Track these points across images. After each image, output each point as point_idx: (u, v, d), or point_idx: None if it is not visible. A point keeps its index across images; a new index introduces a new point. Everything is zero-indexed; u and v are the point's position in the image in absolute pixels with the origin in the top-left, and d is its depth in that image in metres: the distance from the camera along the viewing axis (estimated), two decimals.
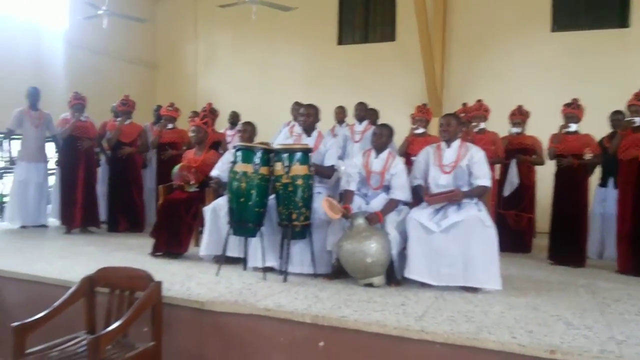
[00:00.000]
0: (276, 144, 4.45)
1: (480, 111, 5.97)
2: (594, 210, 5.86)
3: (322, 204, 4.00)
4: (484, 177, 4.05)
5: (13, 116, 6.78)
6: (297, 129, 4.75)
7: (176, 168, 5.23)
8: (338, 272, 4.13)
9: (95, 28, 9.01)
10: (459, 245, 3.80)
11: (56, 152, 7.27)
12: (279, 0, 8.25)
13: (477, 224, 3.81)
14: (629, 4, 8.44)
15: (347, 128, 6.56)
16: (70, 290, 3.07)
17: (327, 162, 4.52)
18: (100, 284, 3.15)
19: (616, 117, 5.68)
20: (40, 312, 2.88)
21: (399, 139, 6.23)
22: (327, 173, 4.53)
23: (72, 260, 4.65)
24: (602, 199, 5.87)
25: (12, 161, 6.87)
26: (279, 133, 5.93)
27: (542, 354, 2.60)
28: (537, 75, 8.74)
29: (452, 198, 3.93)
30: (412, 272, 3.85)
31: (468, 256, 3.78)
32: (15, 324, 2.75)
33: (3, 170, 8.57)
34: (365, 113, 6.56)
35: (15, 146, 6.96)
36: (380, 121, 6.43)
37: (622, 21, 8.57)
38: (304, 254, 4.26)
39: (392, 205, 4.15)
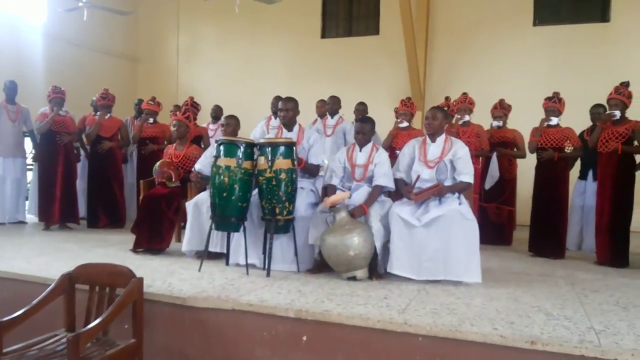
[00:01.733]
0: (255, 139, 4.41)
1: (465, 104, 6.00)
2: (573, 203, 5.94)
3: (325, 204, 3.98)
4: (467, 174, 4.07)
5: None
6: (274, 122, 4.70)
7: (157, 165, 5.18)
8: (321, 266, 4.12)
9: (75, 20, 8.89)
10: (439, 239, 3.81)
11: (33, 147, 7.15)
12: None
13: (458, 218, 3.82)
14: None
15: (319, 122, 6.52)
16: (49, 288, 3.01)
17: (312, 160, 4.49)
18: (80, 281, 3.10)
19: (596, 111, 5.75)
20: (18, 310, 2.83)
21: (383, 132, 6.26)
22: (313, 171, 4.52)
23: (51, 257, 4.59)
24: (581, 192, 5.96)
25: None
26: (257, 128, 5.91)
27: (523, 344, 2.62)
28: (520, 68, 8.83)
29: (436, 193, 3.94)
30: (394, 267, 3.87)
31: (449, 250, 3.80)
32: None
33: None
34: (338, 107, 6.52)
35: None
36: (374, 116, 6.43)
37: (603, 15, 8.68)
38: (286, 251, 4.25)
39: (375, 192, 4.15)
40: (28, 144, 7.26)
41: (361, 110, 6.52)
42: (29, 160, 7.34)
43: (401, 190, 4.21)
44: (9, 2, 9.11)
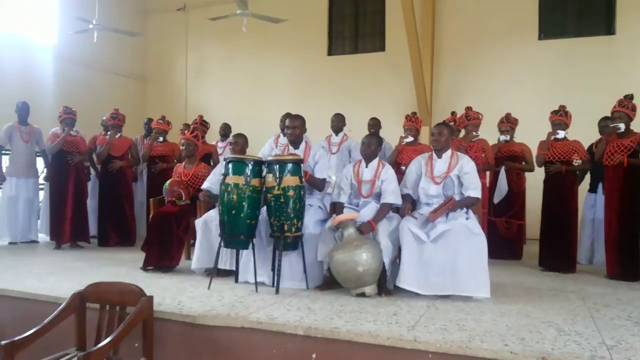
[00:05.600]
0: (263, 157, 4.44)
1: (479, 120, 6.01)
2: (584, 216, 5.91)
3: (333, 222, 4.00)
4: (474, 189, 4.07)
5: (2, 131, 6.77)
6: (282, 140, 4.74)
7: (167, 184, 5.23)
8: (330, 283, 4.13)
9: (85, 42, 9.03)
10: (447, 254, 3.80)
11: (45, 167, 7.24)
12: (269, 12, 8.31)
13: (465, 232, 3.82)
14: (614, 11, 8.58)
15: (324, 140, 6.53)
16: (61, 307, 3.04)
17: (318, 175, 4.51)
18: (90, 300, 3.12)
19: (605, 124, 5.73)
20: (29, 330, 2.85)
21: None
22: (319, 185, 4.53)
23: (62, 276, 4.62)
24: (591, 205, 5.93)
25: (1, 177, 6.82)
26: (266, 145, 5.94)
27: None
28: (526, 82, 8.85)
29: (450, 207, 3.94)
30: (403, 281, 3.86)
31: (456, 264, 3.79)
32: (4, 342, 2.71)
33: None
34: (343, 124, 6.50)
35: (4, 162, 6.91)
36: (382, 132, 6.45)
37: (608, 28, 8.69)
38: (294, 268, 4.26)
39: (384, 210, 4.16)
40: (40, 163, 7.34)
41: (372, 125, 6.54)
42: (41, 180, 7.42)
43: (400, 212, 4.20)
44: (20, 24, 9.30)
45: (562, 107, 5.48)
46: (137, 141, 7.52)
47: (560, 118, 5.43)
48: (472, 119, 6.01)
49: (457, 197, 4.07)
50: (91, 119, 8.04)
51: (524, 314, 3.46)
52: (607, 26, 8.71)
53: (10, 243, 6.76)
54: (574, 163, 5.37)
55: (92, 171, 7.42)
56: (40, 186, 7.46)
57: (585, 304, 3.81)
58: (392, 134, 6.88)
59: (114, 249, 6.56)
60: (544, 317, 3.38)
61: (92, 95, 9.92)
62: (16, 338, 2.76)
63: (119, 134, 6.90)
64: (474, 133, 5.94)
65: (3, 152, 6.88)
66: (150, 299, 3.01)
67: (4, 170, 6.83)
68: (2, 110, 7.44)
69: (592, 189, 5.97)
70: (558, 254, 5.28)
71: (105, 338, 2.82)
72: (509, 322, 3.26)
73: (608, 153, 5.00)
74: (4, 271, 4.79)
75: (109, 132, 6.93)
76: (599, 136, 5.76)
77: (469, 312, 3.50)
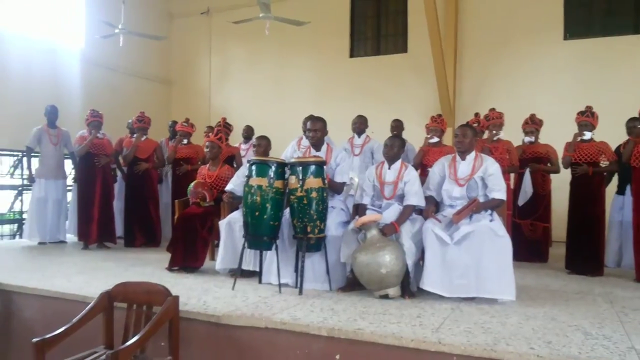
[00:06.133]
0: (286, 159, 4.47)
1: (501, 119, 5.95)
2: (611, 218, 5.81)
3: (356, 224, 4.01)
4: (498, 191, 4.03)
5: (32, 134, 6.92)
6: (305, 142, 4.76)
7: (191, 185, 5.29)
8: (353, 284, 4.13)
9: (111, 46, 9.20)
10: (471, 256, 3.78)
11: (73, 168, 7.39)
12: (291, 15, 8.36)
13: (489, 234, 3.79)
14: None
15: (347, 142, 6.53)
16: (89, 306, 3.10)
17: (338, 178, 4.51)
18: (118, 299, 3.18)
19: (632, 124, 5.63)
20: (59, 328, 2.92)
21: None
22: (338, 188, 4.53)
23: (90, 275, 4.71)
24: (620, 207, 5.82)
25: (31, 178, 6.98)
26: (288, 147, 5.97)
27: None
28: (550, 83, 8.73)
29: (474, 209, 3.91)
30: (426, 283, 3.84)
31: (480, 267, 3.76)
32: (36, 339, 2.78)
33: (22, 188, 8.73)
34: (365, 126, 6.50)
35: (34, 164, 7.07)
36: (404, 133, 6.45)
37: (635, 27, 8.53)
38: (317, 269, 4.27)
39: (407, 212, 4.14)
40: (68, 165, 7.49)
41: (395, 126, 6.53)
42: (69, 181, 7.57)
43: (423, 214, 4.18)
44: (48, 29, 9.52)
45: (589, 108, 5.40)
46: (162, 143, 7.62)
47: (587, 119, 5.34)
48: (491, 119, 5.96)
49: (481, 199, 4.04)
50: (117, 122, 8.18)
51: (550, 317, 3.42)
52: (634, 25, 8.55)
53: (39, 243, 6.91)
54: (601, 164, 5.28)
55: (119, 173, 7.54)
56: (69, 187, 7.62)
57: (613, 308, 3.75)
58: (415, 136, 6.86)
59: (140, 249, 6.66)
60: (571, 321, 3.33)
61: (118, 99, 10.10)
62: (47, 336, 2.83)
63: (144, 137, 7.00)
64: (494, 132, 5.90)
65: (32, 154, 7.04)
66: (176, 298, 3.06)
67: (33, 172, 6.99)
68: (31, 114, 7.64)
69: (620, 191, 5.86)
70: (585, 256, 5.20)
71: (133, 337, 2.87)
72: (535, 325, 3.22)
73: (636, 154, 4.90)
74: (34, 271, 4.91)
75: (134, 135, 7.04)
76: (626, 137, 5.65)
77: (494, 314, 3.47)
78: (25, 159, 7.29)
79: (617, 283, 4.78)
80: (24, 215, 7.70)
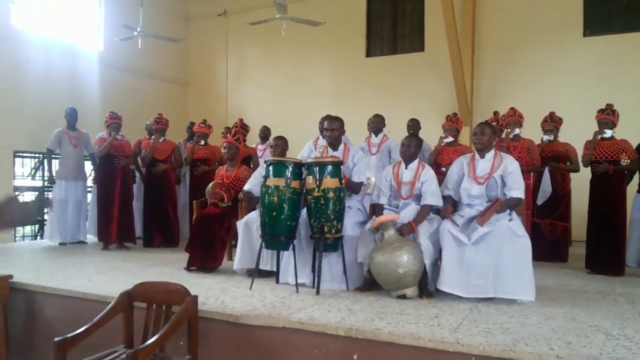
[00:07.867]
0: (303, 159, 4.48)
1: (515, 117, 5.90)
2: (632, 217, 5.70)
3: (373, 224, 4.00)
4: (517, 189, 3.99)
5: (52, 136, 7.03)
6: (321, 141, 4.76)
7: (209, 186, 5.33)
8: (370, 284, 4.12)
9: (129, 48, 9.31)
10: (488, 256, 3.74)
11: (93, 170, 7.49)
12: (308, 16, 8.38)
13: (508, 234, 3.75)
14: None
15: (364, 141, 6.51)
16: (109, 306, 3.14)
17: (356, 178, 4.51)
18: (138, 299, 3.22)
19: None
20: (80, 327, 2.96)
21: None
22: (355, 188, 4.53)
23: (110, 275, 4.77)
24: None
25: (51, 180, 7.09)
26: (305, 148, 5.98)
27: None
28: (569, 81, 8.61)
29: (498, 208, 3.86)
30: (444, 284, 3.81)
31: (499, 267, 3.72)
32: (57, 338, 2.83)
33: (43, 189, 8.87)
34: (382, 125, 6.48)
35: (54, 165, 7.18)
36: (421, 132, 6.42)
37: None
38: (335, 269, 4.27)
39: (425, 212, 4.12)
40: (88, 167, 7.60)
41: (411, 125, 6.51)
42: (89, 183, 7.68)
43: (441, 213, 4.14)
44: (67, 31, 9.65)
45: (609, 106, 5.32)
46: (180, 144, 7.69)
47: (607, 117, 5.27)
48: (507, 116, 5.92)
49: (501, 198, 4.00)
50: (136, 123, 8.27)
51: (570, 318, 3.38)
52: None
53: (60, 244, 7.01)
54: (622, 163, 5.20)
55: (137, 174, 7.62)
56: (89, 189, 7.72)
57: (635, 308, 3.69)
58: (432, 135, 6.83)
59: (158, 249, 6.72)
60: (591, 321, 3.29)
61: (136, 100, 10.21)
62: (68, 335, 2.87)
63: (162, 138, 7.07)
64: (508, 130, 5.85)
65: (53, 156, 7.15)
66: (195, 298, 3.08)
67: (54, 173, 7.09)
68: (51, 116, 7.76)
69: None
70: (605, 256, 5.13)
71: (152, 336, 2.90)
72: (554, 325, 3.18)
73: None
74: (55, 271, 4.99)
75: (153, 136, 7.11)
76: None
77: (513, 315, 3.44)
78: (45, 161, 7.40)
79: (638, 283, 4.70)
80: (45, 217, 7.81)
